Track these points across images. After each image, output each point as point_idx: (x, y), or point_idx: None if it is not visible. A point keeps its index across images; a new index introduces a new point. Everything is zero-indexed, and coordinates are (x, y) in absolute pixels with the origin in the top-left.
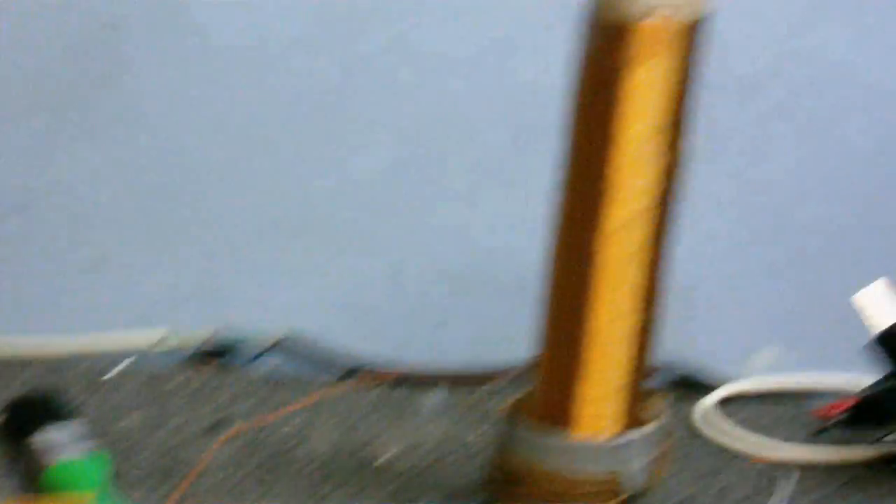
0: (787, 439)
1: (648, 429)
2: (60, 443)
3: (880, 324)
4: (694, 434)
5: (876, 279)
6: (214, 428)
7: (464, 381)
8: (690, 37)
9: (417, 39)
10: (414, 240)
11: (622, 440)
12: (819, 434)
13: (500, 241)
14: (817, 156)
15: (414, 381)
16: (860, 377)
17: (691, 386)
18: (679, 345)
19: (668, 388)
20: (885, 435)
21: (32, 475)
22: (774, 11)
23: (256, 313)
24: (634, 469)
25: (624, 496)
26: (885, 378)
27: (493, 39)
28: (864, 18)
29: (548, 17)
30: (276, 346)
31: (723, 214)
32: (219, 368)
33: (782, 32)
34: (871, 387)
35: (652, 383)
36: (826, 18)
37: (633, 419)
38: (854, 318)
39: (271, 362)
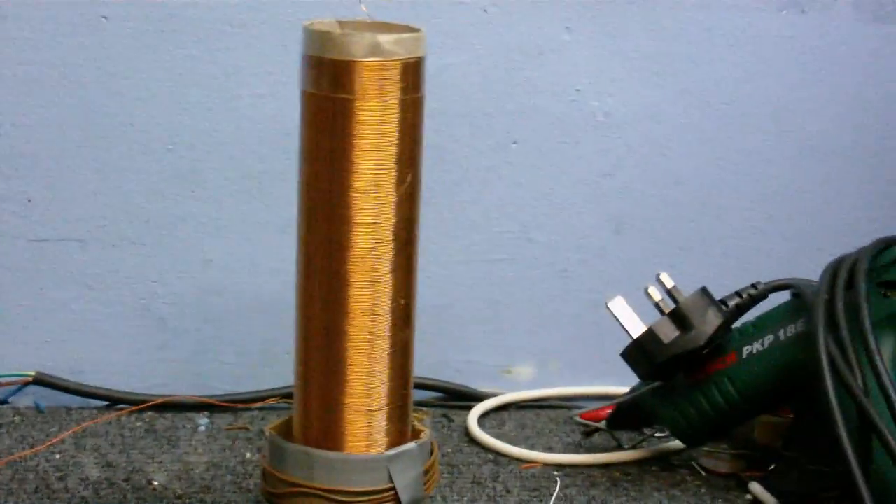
0: (556, 444)
1: (418, 441)
2: None
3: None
4: (470, 443)
5: (629, 289)
6: None
7: (227, 407)
8: (413, 73)
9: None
10: (164, 270)
11: (394, 452)
12: (586, 438)
13: (252, 267)
14: (553, 177)
15: (177, 409)
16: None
17: (460, 397)
18: (444, 360)
19: (437, 401)
20: (643, 440)
21: None
22: (505, 44)
23: (5, 352)
24: (409, 480)
25: None
26: (638, 386)
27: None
28: (594, 49)
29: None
30: (29, 385)
31: (473, 235)
32: None
33: (512, 64)
34: (626, 393)
35: (418, 398)
36: (555, 49)
37: (403, 433)
38: (611, 326)
39: (25, 401)
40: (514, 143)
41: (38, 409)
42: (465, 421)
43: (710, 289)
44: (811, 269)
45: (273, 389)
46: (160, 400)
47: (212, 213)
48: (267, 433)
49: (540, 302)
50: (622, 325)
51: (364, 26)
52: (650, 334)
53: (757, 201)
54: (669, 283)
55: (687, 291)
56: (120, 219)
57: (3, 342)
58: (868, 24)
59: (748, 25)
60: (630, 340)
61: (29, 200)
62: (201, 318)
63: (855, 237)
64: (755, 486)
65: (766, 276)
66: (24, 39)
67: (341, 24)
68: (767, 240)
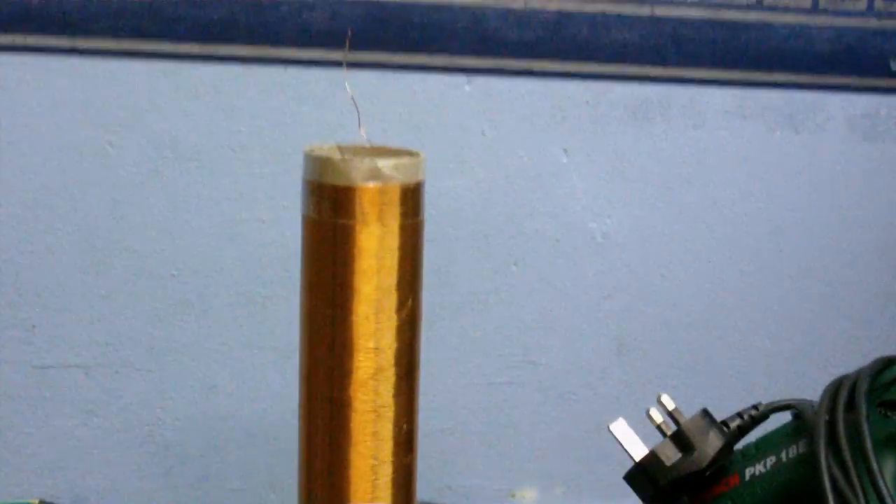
0: None
1: None
2: None
3: (634, 456)
4: None
5: (631, 411)
6: None
7: None
8: (413, 198)
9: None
10: (168, 396)
11: None
12: None
13: (256, 392)
14: (554, 299)
15: None
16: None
17: None
18: (448, 484)
19: None
20: None
21: None
22: (504, 167)
23: (8, 479)
24: None
25: None
26: None
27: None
28: (592, 171)
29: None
30: None
31: (475, 359)
32: None
33: (511, 187)
34: None
35: None
36: (553, 172)
37: None
38: (614, 448)
39: None
40: (515, 265)
41: None
42: None
43: (712, 410)
44: (812, 389)
45: None
46: None
47: (215, 338)
48: None
49: (543, 425)
50: (624, 448)
51: (364, 151)
52: (652, 457)
53: (757, 321)
54: (671, 405)
55: (688, 413)
56: (124, 345)
57: (6, 469)
58: (860, 144)
59: (743, 146)
60: (632, 463)
61: (33, 327)
62: (206, 444)
63: (854, 356)
64: None
65: (767, 397)
66: (29, 166)
67: (341, 149)
68: (768, 360)
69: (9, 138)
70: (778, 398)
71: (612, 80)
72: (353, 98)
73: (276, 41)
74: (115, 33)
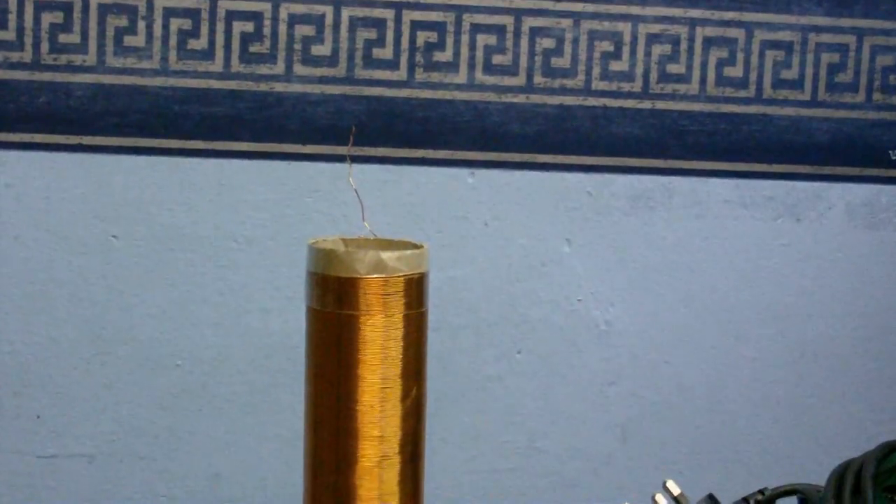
0: None
1: None
2: None
3: None
4: None
5: (637, 497)
6: None
7: None
8: (416, 289)
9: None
10: (173, 485)
11: None
12: None
13: (261, 481)
14: (558, 386)
15: None
16: None
17: None
18: None
19: None
20: None
21: None
22: (507, 257)
23: None
24: None
25: None
26: None
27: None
28: (594, 260)
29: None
30: None
31: (480, 446)
32: None
33: (514, 276)
34: None
35: None
36: (556, 261)
37: None
38: None
39: None
40: (519, 352)
41: None
42: None
43: (717, 495)
44: (817, 474)
45: None
46: None
47: (220, 427)
48: None
49: None
50: None
51: (368, 243)
52: None
53: (761, 406)
54: (676, 491)
55: (694, 498)
56: (128, 435)
57: None
58: (861, 231)
59: (745, 234)
60: None
61: (38, 417)
62: None
63: (859, 440)
64: None
65: (772, 481)
66: (35, 259)
67: (345, 241)
68: (773, 444)
69: (15, 232)
70: (783, 483)
71: (613, 172)
72: (356, 191)
73: (280, 137)
74: (121, 130)
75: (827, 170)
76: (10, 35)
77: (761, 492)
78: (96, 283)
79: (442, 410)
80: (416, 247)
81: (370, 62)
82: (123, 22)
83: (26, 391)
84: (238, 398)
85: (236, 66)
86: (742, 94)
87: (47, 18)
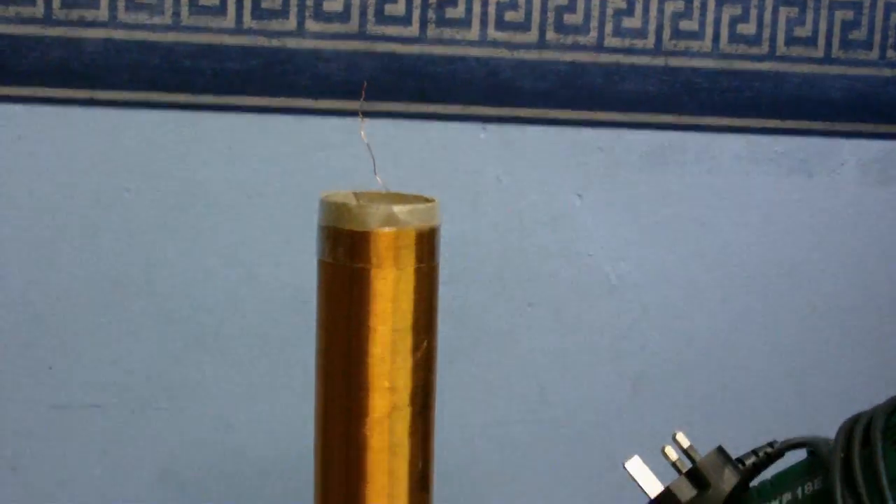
0: None
1: None
2: None
3: (649, 493)
4: None
5: (646, 449)
6: None
7: None
8: (428, 242)
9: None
10: (184, 435)
11: None
12: None
13: (272, 431)
14: (569, 339)
15: None
16: None
17: None
18: None
19: None
20: None
21: None
22: (519, 211)
23: None
24: None
25: None
26: None
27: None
28: (606, 214)
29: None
30: None
31: (491, 398)
32: None
33: (526, 231)
34: None
35: None
36: (567, 216)
37: None
38: (629, 486)
39: None
40: (530, 306)
41: None
42: None
43: (727, 447)
44: (827, 427)
45: None
46: None
47: (232, 377)
48: None
49: (558, 463)
50: (639, 485)
51: (379, 197)
52: (668, 494)
53: (772, 360)
54: (686, 443)
55: (703, 450)
56: (140, 384)
57: None
58: (873, 188)
59: (757, 190)
60: (647, 500)
61: (50, 367)
62: (222, 483)
63: (870, 394)
64: None
65: (782, 434)
66: (48, 211)
67: (357, 195)
68: (783, 397)
69: (29, 185)
70: (793, 435)
71: (625, 128)
72: (368, 146)
73: (291, 92)
74: (133, 85)
75: (840, 126)
76: None
77: (771, 444)
78: (109, 236)
79: (453, 363)
80: (427, 201)
81: (382, 18)
82: None
83: (39, 342)
84: (250, 350)
85: (248, 21)
86: (755, 50)
87: None
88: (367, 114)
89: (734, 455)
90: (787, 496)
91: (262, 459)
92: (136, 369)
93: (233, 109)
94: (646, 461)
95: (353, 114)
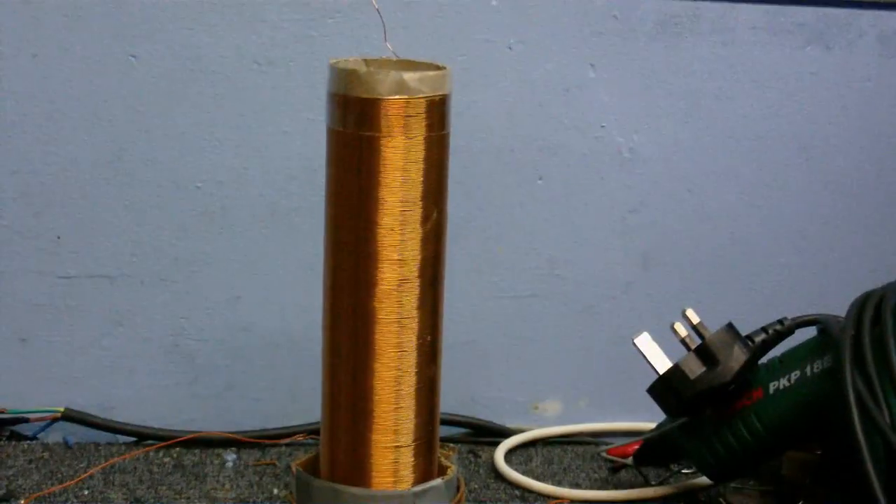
0: (583, 480)
1: (445, 477)
2: None
3: (658, 369)
4: (497, 479)
5: (656, 325)
6: (1, 501)
7: (255, 443)
8: (438, 111)
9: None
10: (193, 307)
11: (420, 488)
12: (614, 474)
13: (280, 304)
14: (580, 213)
15: (205, 445)
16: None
17: (487, 433)
18: (471, 396)
19: (464, 437)
20: (670, 476)
21: None
22: (530, 81)
23: (35, 388)
24: None
25: None
26: (665, 422)
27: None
28: (619, 86)
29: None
30: (58, 421)
31: (500, 271)
32: (0, 445)
33: (538, 101)
34: (653, 430)
35: (445, 434)
36: (580, 86)
37: (429, 469)
38: (638, 362)
39: (54, 436)
40: (540, 179)
41: (67, 445)
42: (491, 457)
43: (737, 324)
44: (838, 305)
45: (301, 426)
46: (188, 436)
47: (240, 250)
48: (294, 469)
49: (567, 338)
50: (648, 362)
51: (390, 64)
52: (676, 370)
53: (783, 236)
54: (695, 319)
55: (713, 327)
56: (148, 256)
57: (32, 378)
58: (892, 60)
59: (773, 62)
60: (656, 376)
61: (58, 237)
62: (230, 354)
63: (881, 272)
64: None
65: (792, 312)
66: (53, 77)
67: (367, 62)
68: (794, 275)
69: (32, 50)
70: (803, 313)
71: None
72: (378, 11)
73: None
74: None
75: None
76: None
77: (780, 322)
78: (116, 103)
79: (462, 236)
80: (438, 68)
81: None
82: None
83: (46, 211)
84: (258, 221)
85: None
86: None
87: None
88: None
89: (744, 332)
90: (795, 373)
91: (269, 331)
92: (144, 240)
93: None
94: (655, 337)
95: None
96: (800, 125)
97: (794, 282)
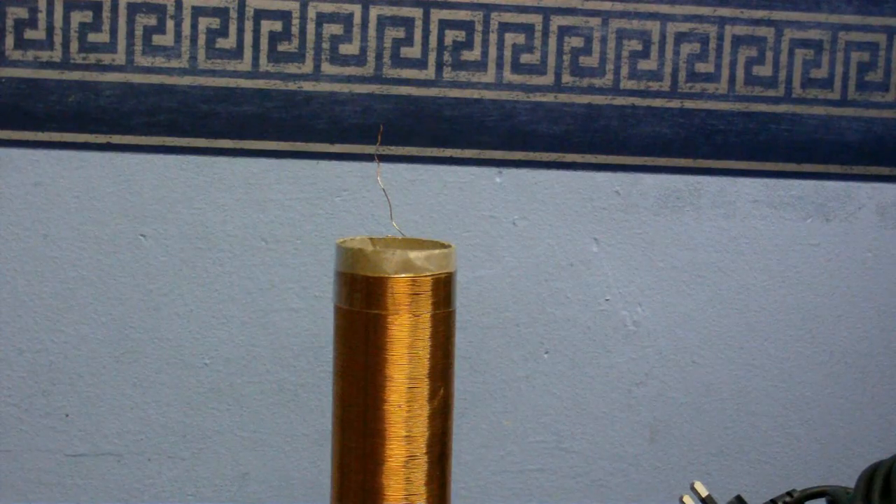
0: None
1: None
2: None
3: None
4: None
5: (665, 498)
6: None
7: None
8: (444, 288)
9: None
10: (200, 484)
11: None
12: None
13: (288, 480)
14: (586, 386)
15: None
16: None
17: None
18: None
19: None
20: None
21: None
22: (535, 256)
23: None
24: None
25: None
26: None
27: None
28: (622, 259)
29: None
30: None
31: (508, 446)
32: None
33: (542, 276)
34: None
35: None
36: (584, 261)
37: None
38: None
39: None
40: (546, 352)
41: None
42: None
43: (745, 496)
44: (846, 476)
45: None
46: None
47: (248, 426)
48: None
49: None
50: None
51: (396, 243)
52: None
53: (790, 407)
54: (704, 492)
55: (722, 500)
56: (156, 433)
57: None
58: (891, 231)
59: (774, 234)
60: None
61: (66, 415)
62: None
63: (889, 443)
64: None
65: (800, 483)
66: (64, 257)
67: (373, 240)
68: (801, 446)
69: (45, 230)
70: (812, 484)
71: (642, 171)
72: (384, 190)
73: (308, 136)
74: (150, 129)
75: (857, 169)
76: (39, 34)
77: (790, 493)
78: (125, 281)
79: (469, 410)
80: (443, 246)
81: (398, 61)
82: (152, 21)
83: (55, 389)
84: (266, 397)
85: (264, 65)
86: (771, 93)
87: (76, 18)
88: (383, 157)
89: None
90: None
91: None
92: (152, 418)
93: (249, 154)
94: None
95: (369, 157)
96: (802, 295)
97: (802, 453)
